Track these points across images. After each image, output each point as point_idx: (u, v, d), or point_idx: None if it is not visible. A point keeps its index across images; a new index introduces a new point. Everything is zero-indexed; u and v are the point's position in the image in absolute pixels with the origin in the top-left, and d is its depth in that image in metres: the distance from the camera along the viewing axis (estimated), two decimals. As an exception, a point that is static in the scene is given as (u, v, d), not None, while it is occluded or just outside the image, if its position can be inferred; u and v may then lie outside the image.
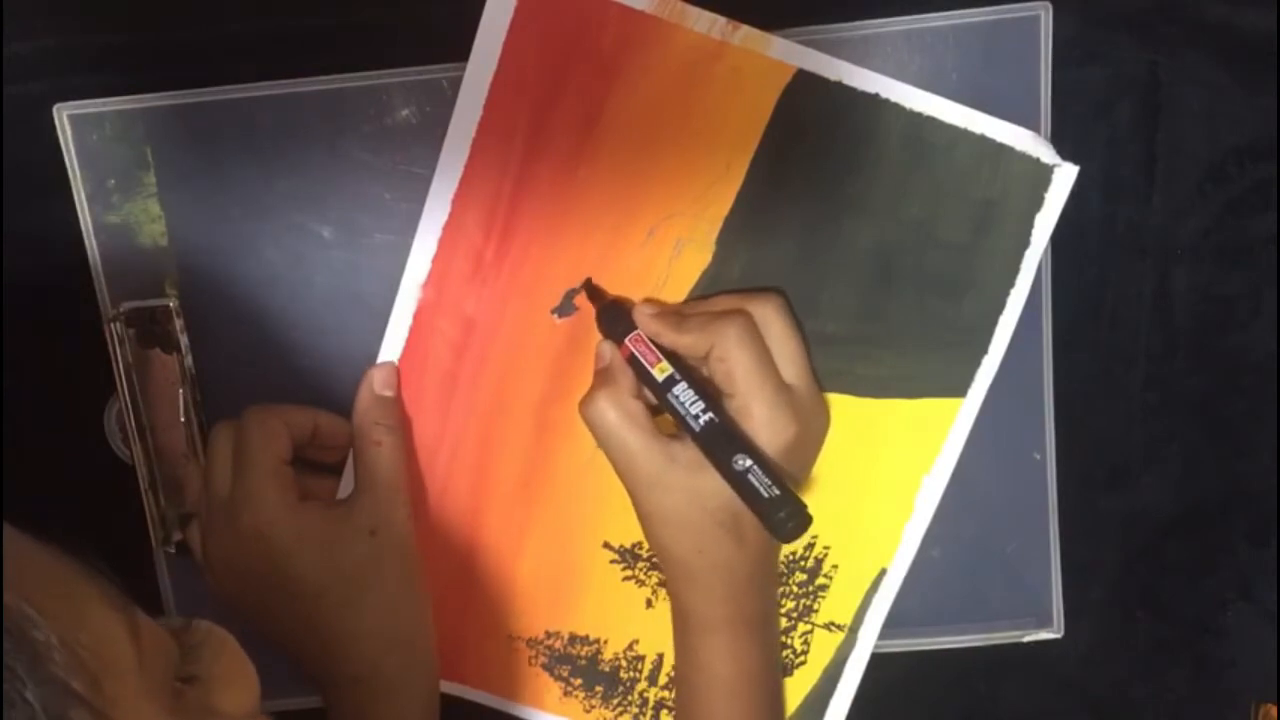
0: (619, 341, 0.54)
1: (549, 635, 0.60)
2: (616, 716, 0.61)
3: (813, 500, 0.57)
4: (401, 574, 0.55)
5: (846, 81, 0.53)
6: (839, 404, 0.57)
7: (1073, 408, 0.58)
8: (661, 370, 0.52)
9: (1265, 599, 0.61)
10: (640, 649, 0.60)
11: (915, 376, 0.57)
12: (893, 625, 0.60)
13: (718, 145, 0.54)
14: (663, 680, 0.61)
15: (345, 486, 0.57)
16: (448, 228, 0.55)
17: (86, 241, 0.56)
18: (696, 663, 0.55)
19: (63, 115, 0.54)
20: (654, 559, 0.59)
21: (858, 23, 0.54)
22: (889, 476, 0.58)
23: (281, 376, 0.57)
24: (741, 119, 0.54)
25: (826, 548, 0.59)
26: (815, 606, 0.60)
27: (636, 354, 0.53)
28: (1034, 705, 0.63)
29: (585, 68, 0.53)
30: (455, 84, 0.53)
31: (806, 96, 0.53)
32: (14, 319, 0.57)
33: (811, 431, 0.55)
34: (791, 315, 0.54)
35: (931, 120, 0.54)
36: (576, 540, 0.59)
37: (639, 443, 0.52)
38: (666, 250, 0.55)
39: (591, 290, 0.56)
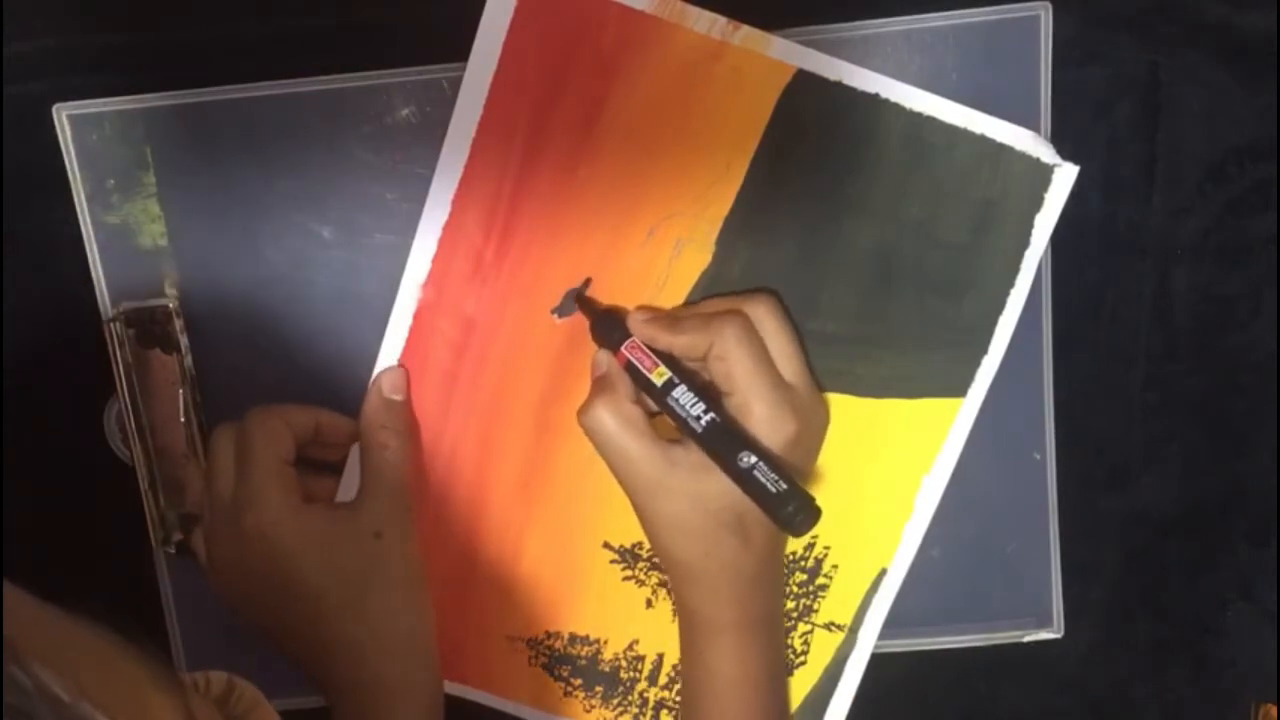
0: (614, 350, 0.54)
1: (549, 635, 0.60)
2: (617, 716, 0.61)
3: (812, 500, 0.57)
4: (405, 578, 0.55)
5: (846, 81, 0.53)
6: (839, 404, 0.57)
7: (1073, 408, 0.58)
8: (659, 375, 0.52)
9: (1265, 599, 0.61)
10: (640, 649, 0.60)
11: (915, 376, 0.57)
12: (892, 625, 0.60)
13: (718, 145, 0.54)
14: (663, 680, 0.61)
15: (346, 485, 0.57)
16: (448, 228, 0.55)
17: (86, 242, 0.56)
18: (703, 664, 0.55)
19: (62, 115, 0.54)
20: (654, 559, 0.59)
21: (858, 23, 0.54)
22: (889, 476, 0.58)
23: (281, 376, 0.57)
24: (741, 119, 0.54)
25: (827, 548, 0.59)
26: (815, 606, 0.60)
27: (633, 360, 0.53)
28: (1034, 705, 0.63)
29: (585, 68, 0.53)
30: (455, 84, 0.53)
31: (806, 96, 0.53)
32: (14, 319, 0.57)
33: (812, 428, 0.55)
34: (786, 314, 0.54)
35: (931, 120, 0.54)
36: (576, 540, 0.59)
37: (639, 449, 0.52)
38: (666, 250, 0.55)
39: (584, 301, 0.56)
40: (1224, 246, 0.58)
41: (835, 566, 0.59)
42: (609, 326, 0.54)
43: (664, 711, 0.61)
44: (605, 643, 0.60)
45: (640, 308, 0.55)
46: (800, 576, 0.59)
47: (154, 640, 0.32)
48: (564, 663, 0.60)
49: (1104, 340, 0.59)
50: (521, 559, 0.59)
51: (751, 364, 0.52)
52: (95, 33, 0.55)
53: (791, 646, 0.60)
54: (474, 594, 0.60)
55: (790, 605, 0.60)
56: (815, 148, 0.54)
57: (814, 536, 0.59)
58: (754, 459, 0.50)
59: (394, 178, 0.55)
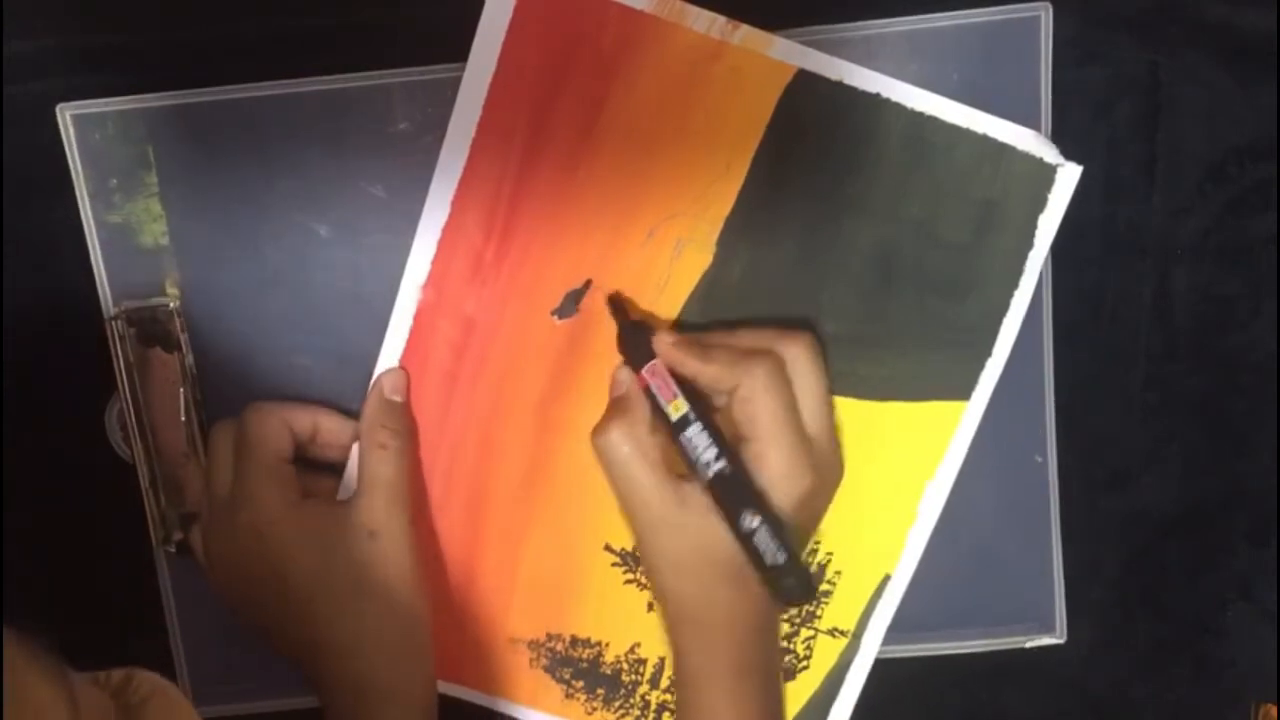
0: (637, 368, 0.53)
1: (550, 638, 0.60)
2: (618, 719, 0.61)
3: (813, 501, 0.57)
4: (400, 578, 0.55)
5: (847, 81, 0.53)
6: (841, 406, 0.57)
7: (1073, 409, 0.58)
8: (677, 409, 0.51)
9: (1265, 599, 0.61)
10: (642, 652, 0.60)
11: (917, 378, 0.57)
12: (894, 630, 0.60)
13: (718, 145, 0.54)
14: (664, 683, 0.60)
15: (346, 486, 0.57)
16: (447, 228, 0.55)
17: (88, 240, 0.56)
18: (697, 708, 0.54)
19: (65, 115, 0.54)
20: (654, 560, 0.59)
21: (858, 23, 0.54)
22: (893, 482, 0.58)
23: (281, 376, 0.57)
24: (742, 119, 0.54)
25: (830, 554, 0.59)
26: (818, 612, 0.60)
27: (652, 387, 0.52)
28: (1034, 706, 0.63)
29: (584, 68, 0.53)
30: (455, 84, 0.53)
31: (807, 96, 0.53)
32: (14, 318, 0.57)
33: (826, 484, 0.54)
34: (822, 360, 0.53)
35: (932, 120, 0.54)
36: (577, 542, 0.59)
37: (650, 482, 0.51)
38: (667, 251, 0.55)
39: (616, 305, 0.55)
40: (1224, 246, 0.58)
41: (839, 572, 0.59)
42: (637, 340, 0.53)
43: (665, 714, 0.61)
44: (607, 645, 0.60)
45: (670, 328, 0.55)
46: (802, 580, 0.59)
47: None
48: (565, 665, 0.60)
49: (1104, 340, 0.59)
50: (522, 561, 0.59)
51: (776, 413, 0.51)
52: (96, 33, 0.55)
53: (794, 652, 0.60)
54: (475, 596, 0.59)
55: (793, 611, 0.59)
56: (816, 148, 0.54)
57: (817, 542, 0.59)
58: (757, 522, 0.49)
59: (394, 178, 0.55)
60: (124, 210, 0.56)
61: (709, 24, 0.53)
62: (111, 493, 0.58)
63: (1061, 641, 0.60)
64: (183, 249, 0.56)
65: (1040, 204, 0.55)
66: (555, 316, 0.56)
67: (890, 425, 0.57)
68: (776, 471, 0.51)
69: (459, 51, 0.53)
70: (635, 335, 0.54)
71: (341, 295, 0.57)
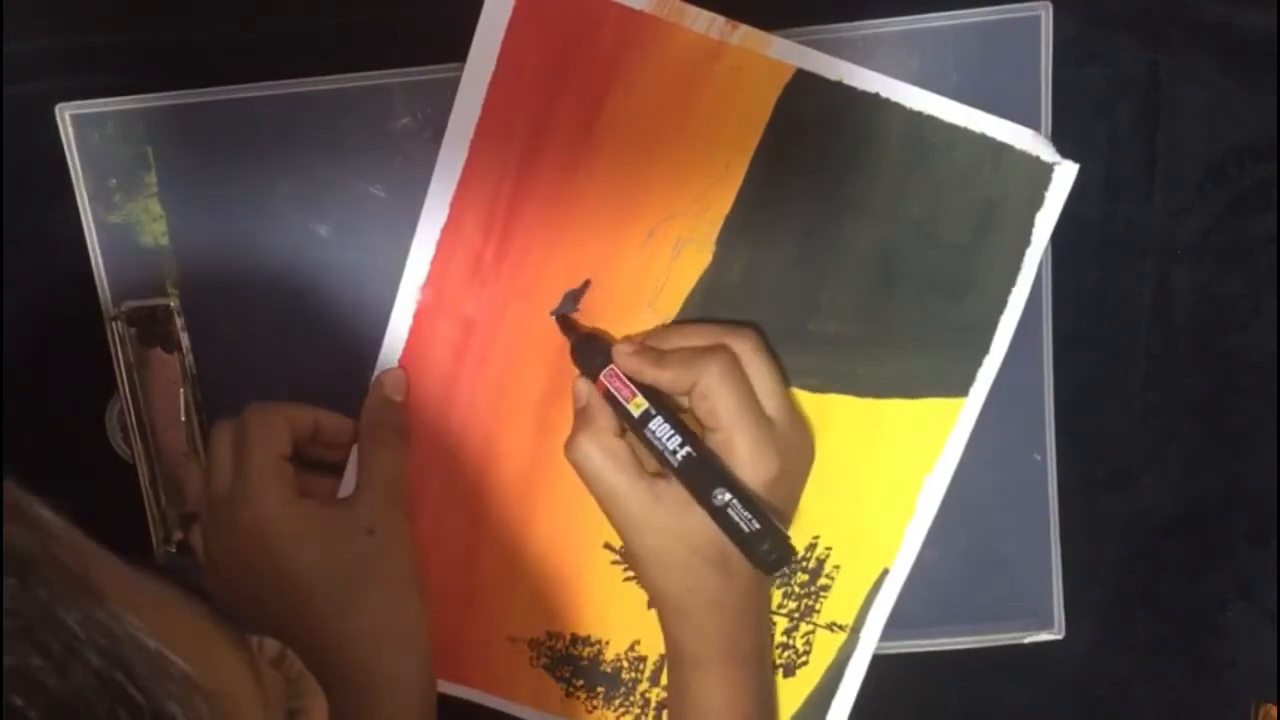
0: (594, 377, 0.54)
1: (550, 636, 0.60)
2: (619, 717, 0.61)
3: (814, 500, 0.57)
4: (398, 575, 0.55)
5: (846, 81, 0.53)
6: (840, 404, 0.57)
7: (1073, 408, 0.58)
8: (637, 405, 0.52)
9: (1265, 599, 0.61)
10: (642, 650, 0.60)
11: (916, 376, 0.57)
12: (892, 626, 0.60)
13: (718, 145, 0.54)
14: (664, 681, 0.60)
15: (347, 486, 0.57)
16: (447, 229, 0.55)
17: (88, 241, 0.56)
18: (689, 696, 0.55)
19: (65, 115, 0.55)
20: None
21: (858, 23, 0.54)
22: (891, 477, 0.58)
23: (281, 376, 0.57)
24: (741, 119, 0.54)
25: (828, 548, 0.59)
26: (817, 607, 0.60)
27: (611, 390, 0.53)
28: (1034, 705, 0.63)
29: (584, 68, 0.53)
30: (455, 84, 0.53)
31: (806, 96, 0.53)
32: (15, 318, 0.57)
33: (795, 465, 0.55)
34: (769, 348, 0.54)
35: (932, 120, 0.54)
36: (577, 541, 0.59)
37: (623, 483, 0.52)
38: (666, 251, 0.55)
39: (565, 323, 0.56)
40: (1224, 246, 0.58)
41: (837, 567, 0.59)
42: (590, 351, 0.54)
43: (666, 712, 0.61)
44: (607, 643, 0.60)
45: (625, 339, 0.55)
46: (802, 577, 0.59)
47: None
48: (566, 663, 0.60)
49: (1104, 340, 0.59)
50: (522, 560, 0.59)
51: (735, 402, 0.52)
52: (96, 33, 0.55)
53: (793, 647, 0.60)
54: (475, 595, 0.60)
55: (792, 605, 0.60)
56: (815, 148, 0.54)
57: (815, 537, 0.59)
58: (728, 496, 0.50)
59: (394, 178, 0.55)
60: (124, 210, 0.56)
61: (708, 24, 0.53)
62: (111, 493, 0.58)
63: (1060, 637, 0.60)
64: (183, 249, 0.56)
65: (1038, 202, 0.55)
66: (555, 316, 0.56)
67: (889, 421, 0.57)
68: (743, 456, 0.52)
69: (458, 51, 0.53)
70: (589, 346, 0.55)
71: (341, 295, 0.57)
